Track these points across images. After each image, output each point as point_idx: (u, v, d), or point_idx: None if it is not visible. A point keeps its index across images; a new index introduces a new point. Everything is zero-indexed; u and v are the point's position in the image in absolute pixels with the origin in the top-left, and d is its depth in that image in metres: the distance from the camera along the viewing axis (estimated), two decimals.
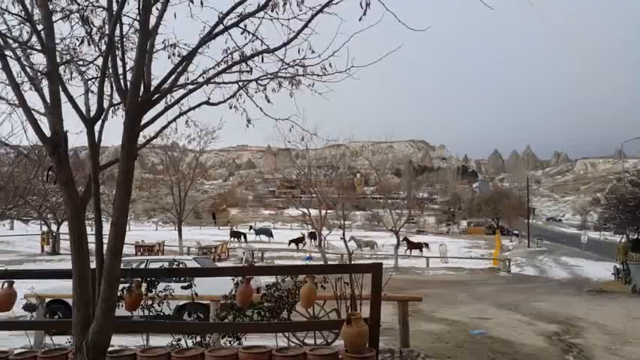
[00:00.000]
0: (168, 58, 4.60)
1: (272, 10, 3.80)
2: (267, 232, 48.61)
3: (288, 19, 3.82)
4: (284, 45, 3.82)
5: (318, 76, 4.44)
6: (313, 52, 4.00)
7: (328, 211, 30.11)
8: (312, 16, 3.68)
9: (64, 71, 4.68)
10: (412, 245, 35.79)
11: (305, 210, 29.71)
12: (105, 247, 3.84)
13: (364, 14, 3.55)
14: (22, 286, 5.98)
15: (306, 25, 3.71)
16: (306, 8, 3.76)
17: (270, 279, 8.05)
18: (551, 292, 18.60)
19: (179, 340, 5.77)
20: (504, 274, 26.21)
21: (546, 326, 10.70)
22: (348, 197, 35.09)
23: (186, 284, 6.33)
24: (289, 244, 39.66)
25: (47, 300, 9.57)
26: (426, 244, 36.07)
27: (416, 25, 4.17)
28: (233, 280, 5.92)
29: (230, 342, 5.89)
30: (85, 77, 4.50)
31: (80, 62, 4.53)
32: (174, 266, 10.44)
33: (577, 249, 42.98)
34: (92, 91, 4.44)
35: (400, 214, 32.59)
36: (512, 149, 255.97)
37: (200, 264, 12.25)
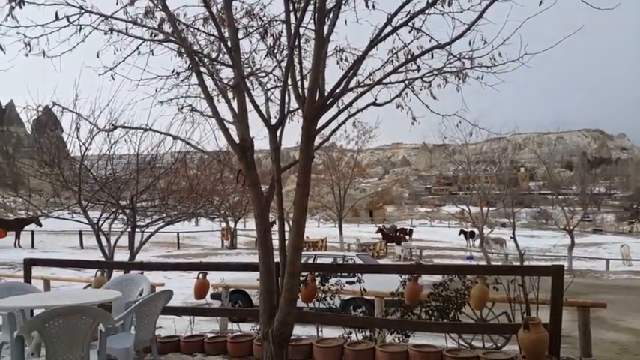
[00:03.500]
0: (337, 63, 4.81)
1: (443, 5, 3.72)
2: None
3: (461, 11, 3.68)
4: (456, 39, 3.70)
5: (487, 67, 4.22)
6: (485, 42, 3.81)
7: (490, 209, 28.42)
8: (487, 6, 3.51)
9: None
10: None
11: (465, 207, 28.50)
12: (286, 242, 4.17)
13: None
14: (208, 277, 6.71)
15: (480, 16, 3.55)
16: None
17: (430, 277, 7.93)
18: None
19: (350, 333, 6.00)
20: None
21: None
22: (512, 194, 32.66)
23: (354, 279, 6.57)
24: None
25: (230, 290, 10.70)
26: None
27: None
28: (400, 277, 5.97)
29: (398, 338, 5.95)
30: (265, 87, 4.92)
31: (262, 74, 4.96)
32: (343, 262, 10.89)
33: None
34: (271, 100, 4.85)
35: (573, 212, 29.34)
36: None
37: (363, 260, 12.58)
